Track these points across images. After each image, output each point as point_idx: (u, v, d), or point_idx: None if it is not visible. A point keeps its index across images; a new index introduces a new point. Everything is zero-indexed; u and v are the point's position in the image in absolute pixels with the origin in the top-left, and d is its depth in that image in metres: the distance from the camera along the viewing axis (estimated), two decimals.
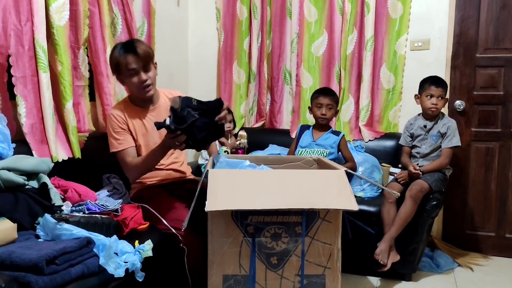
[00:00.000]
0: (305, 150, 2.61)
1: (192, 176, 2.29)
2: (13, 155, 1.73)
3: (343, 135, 2.64)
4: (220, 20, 3.26)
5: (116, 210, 1.81)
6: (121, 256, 1.53)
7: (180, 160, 2.24)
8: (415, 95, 2.64)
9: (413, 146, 2.64)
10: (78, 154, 2.12)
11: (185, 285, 1.80)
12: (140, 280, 1.55)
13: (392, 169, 2.74)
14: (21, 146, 1.85)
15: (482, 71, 2.85)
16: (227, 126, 2.95)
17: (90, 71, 2.31)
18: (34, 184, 1.70)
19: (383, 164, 2.77)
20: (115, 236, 1.58)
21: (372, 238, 2.29)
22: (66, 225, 1.53)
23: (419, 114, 2.67)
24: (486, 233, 2.92)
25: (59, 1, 1.98)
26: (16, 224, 1.51)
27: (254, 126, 3.31)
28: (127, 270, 1.51)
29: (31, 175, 1.71)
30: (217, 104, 1.77)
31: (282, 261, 1.51)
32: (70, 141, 2.10)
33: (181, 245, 1.79)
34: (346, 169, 1.59)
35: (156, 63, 2.09)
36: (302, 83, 3.10)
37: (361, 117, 3.00)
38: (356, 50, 2.99)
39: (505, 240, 2.89)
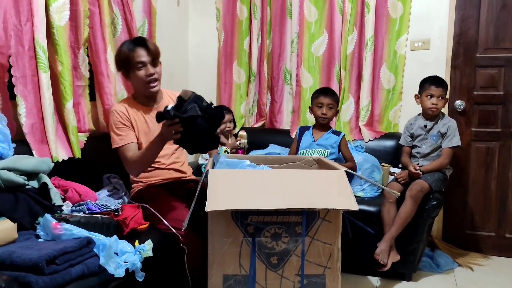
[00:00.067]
0: (306, 151, 2.61)
1: (193, 177, 2.29)
2: (13, 155, 1.73)
3: (344, 135, 2.64)
4: (220, 20, 3.26)
5: (116, 210, 1.81)
6: (121, 256, 1.53)
7: (181, 160, 2.24)
8: (415, 95, 2.64)
9: (413, 146, 2.64)
10: (78, 154, 2.12)
11: (185, 285, 1.80)
12: (140, 280, 1.55)
13: (392, 169, 2.74)
14: (21, 146, 1.85)
15: (482, 71, 2.85)
16: (228, 126, 2.95)
17: (90, 71, 2.31)
18: (34, 184, 1.70)
19: (383, 164, 2.77)
20: (115, 236, 1.58)
21: (372, 238, 2.29)
22: (66, 225, 1.53)
23: (419, 114, 2.67)
24: (486, 233, 2.92)
25: (59, 1, 1.98)
26: (16, 224, 1.51)
27: (254, 126, 3.31)
28: (127, 270, 1.51)
29: (31, 175, 1.71)
30: (220, 114, 1.77)
31: (282, 261, 1.51)
32: (70, 141, 2.10)
33: (181, 245, 1.79)
34: (346, 169, 1.59)
35: (160, 62, 2.10)
36: (302, 83, 3.10)
37: (361, 117, 3.00)
38: (356, 50, 2.99)
39: (505, 240, 2.89)
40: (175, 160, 2.20)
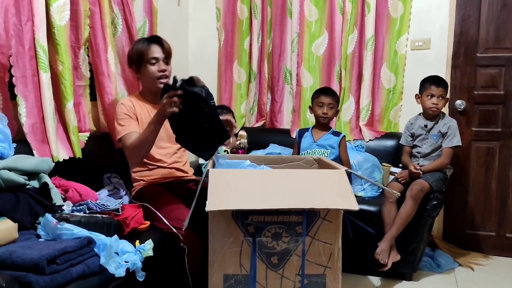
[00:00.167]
0: (307, 152, 2.61)
1: (194, 177, 2.29)
2: (14, 155, 1.73)
3: (344, 136, 2.62)
4: (221, 20, 3.26)
5: (117, 210, 1.81)
6: (122, 255, 1.53)
7: (183, 160, 2.25)
8: (416, 95, 2.64)
9: (414, 146, 2.64)
10: (78, 154, 2.12)
11: (186, 285, 1.80)
12: (141, 279, 1.55)
13: (393, 169, 2.74)
14: (22, 146, 1.85)
15: (483, 70, 2.84)
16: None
17: (91, 71, 2.31)
18: (35, 183, 1.70)
19: (383, 163, 2.77)
20: (115, 236, 1.59)
21: (373, 238, 2.29)
22: (67, 225, 1.53)
23: (419, 114, 2.67)
24: (487, 233, 2.92)
25: (60, 1, 1.99)
26: (17, 223, 1.51)
27: (255, 126, 3.31)
28: (127, 269, 1.51)
29: (32, 174, 1.71)
30: (223, 129, 1.78)
31: (283, 260, 1.51)
32: (71, 140, 2.11)
33: (181, 244, 1.79)
34: (346, 168, 1.59)
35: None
36: (303, 83, 3.10)
37: (362, 117, 3.00)
38: (356, 50, 2.99)
39: (505, 240, 2.89)
40: (177, 159, 2.21)
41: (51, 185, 1.72)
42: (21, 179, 1.63)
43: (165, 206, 1.96)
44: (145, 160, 2.12)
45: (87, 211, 1.75)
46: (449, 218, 2.98)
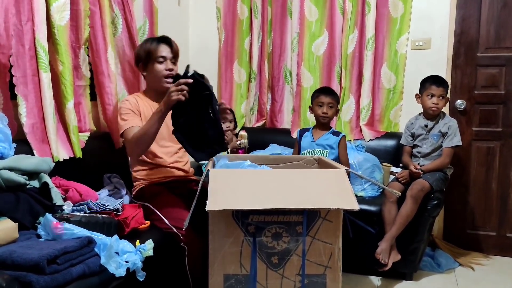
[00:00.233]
0: (307, 151, 2.61)
1: (194, 177, 2.30)
2: (14, 154, 1.73)
3: (343, 135, 2.60)
4: (221, 20, 3.25)
5: (117, 210, 1.81)
6: (122, 255, 1.53)
7: (184, 160, 2.25)
8: (416, 95, 2.63)
9: (414, 146, 2.64)
10: (79, 154, 2.12)
11: (186, 285, 1.80)
12: (141, 279, 1.55)
13: (393, 169, 2.74)
14: (22, 145, 1.85)
15: (483, 70, 2.84)
16: (227, 125, 2.95)
17: (91, 70, 2.31)
18: (35, 183, 1.70)
19: (384, 163, 2.77)
20: (116, 236, 1.59)
21: (373, 238, 2.29)
22: (67, 225, 1.53)
23: (420, 114, 2.66)
24: (487, 233, 2.92)
25: (60, 0, 1.99)
26: (17, 223, 1.51)
27: (255, 126, 3.31)
28: (128, 269, 1.51)
29: (32, 174, 1.71)
30: (222, 141, 1.80)
31: (283, 260, 1.51)
32: (71, 140, 2.11)
33: (181, 244, 1.79)
34: (347, 168, 1.59)
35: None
36: (303, 83, 3.10)
37: (362, 117, 3.00)
38: (357, 50, 2.99)
39: (506, 240, 2.89)
40: (178, 159, 2.21)
41: (51, 185, 1.72)
42: (21, 179, 1.63)
43: (165, 205, 1.96)
44: (145, 158, 2.12)
45: (88, 211, 1.75)
46: (449, 218, 2.98)
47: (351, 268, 2.47)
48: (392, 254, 2.31)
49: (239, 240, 1.48)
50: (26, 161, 1.69)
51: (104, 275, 1.47)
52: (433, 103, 2.52)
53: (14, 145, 1.78)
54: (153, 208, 1.93)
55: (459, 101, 2.89)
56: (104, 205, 1.81)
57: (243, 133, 2.93)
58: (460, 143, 2.53)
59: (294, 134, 2.96)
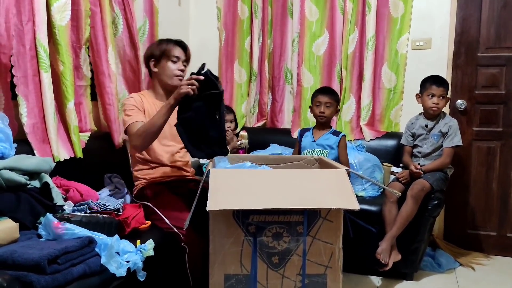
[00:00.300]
0: (307, 151, 2.61)
1: (195, 177, 2.30)
2: (15, 154, 1.73)
3: (343, 135, 2.59)
4: (221, 20, 3.26)
5: (118, 210, 1.81)
6: (123, 255, 1.54)
7: (185, 160, 2.25)
8: (416, 95, 2.63)
9: (415, 146, 2.63)
10: (79, 154, 2.12)
11: (186, 285, 1.81)
12: (142, 279, 1.56)
13: (394, 169, 2.74)
14: (23, 145, 1.85)
15: (484, 70, 2.84)
16: (227, 125, 2.95)
17: (92, 71, 2.31)
18: (36, 183, 1.70)
19: (384, 163, 2.77)
20: (116, 236, 1.59)
21: (374, 238, 2.29)
22: (68, 225, 1.53)
23: (420, 114, 2.66)
24: (488, 233, 2.92)
25: (61, 1, 1.99)
26: (18, 223, 1.51)
27: (256, 126, 3.31)
28: (128, 269, 1.51)
29: (33, 174, 1.71)
30: (223, 145, 1.81)
31: (284, 260, 1.51)
32: (72, 140, 2.11)
33: (182, 244, 1.79)
34: (347, 168, 1.59)
35: None
36: (303, 83, 3.10)
37: (362, 117, 3.00)
38: (357, 50, 2.99)
39: (506, 240, 2.88)
40: (179, 158, 2.21)
41: (52, 185, 1.72)
42: (22, 179, 1.63)
43: (166, 205, 1.96)
44: (147, 157, 2.13)
45: (88, 211, 1.76)
46: (450, 218, 2.98)
47: (352, 268, 2.47)
48: (392, 254, 2.31)
49: (239, 240, 1.48)
50: (26, 161, 1.69)
51: (104, 275, 1.47)
52: (434, 103, 2.51)
53: (15, 145, 1.78)
54: (154, 207, 1.93)
55: (459, 101, 2.89)
56: (104, 205, 1.81)
57: (244, 133, 2.93)
58: (461, 143, 2.53)
59: (295, 134, 2.95)
